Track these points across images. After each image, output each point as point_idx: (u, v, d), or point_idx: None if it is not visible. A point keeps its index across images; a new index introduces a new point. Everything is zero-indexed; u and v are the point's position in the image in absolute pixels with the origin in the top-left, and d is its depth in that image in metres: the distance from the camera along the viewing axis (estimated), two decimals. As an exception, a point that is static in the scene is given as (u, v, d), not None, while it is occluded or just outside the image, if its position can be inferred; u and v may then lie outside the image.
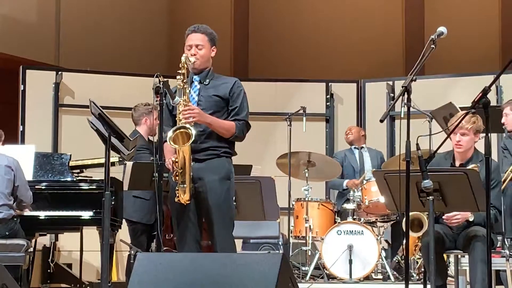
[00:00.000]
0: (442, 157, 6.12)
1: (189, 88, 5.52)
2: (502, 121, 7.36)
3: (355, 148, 9.31)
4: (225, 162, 5.50)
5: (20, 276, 6.67)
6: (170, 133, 5.34)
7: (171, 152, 5.45)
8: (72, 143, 9.40)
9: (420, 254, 6.78)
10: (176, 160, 5.33)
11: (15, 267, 6.62)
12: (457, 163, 6.15)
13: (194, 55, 5.52)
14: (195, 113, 5.36)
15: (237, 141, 5.60)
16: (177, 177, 5.35)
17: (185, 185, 5.33)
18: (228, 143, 5.54)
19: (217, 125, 5.45)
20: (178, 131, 5.33)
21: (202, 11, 12.10)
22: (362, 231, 8.04)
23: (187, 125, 5.32)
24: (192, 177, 5.36)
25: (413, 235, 6.10)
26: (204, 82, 5.57)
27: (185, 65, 5.40)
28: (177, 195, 5.36)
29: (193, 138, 5.27)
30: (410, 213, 5.15)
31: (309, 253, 8.42)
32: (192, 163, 5.36)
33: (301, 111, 9.06)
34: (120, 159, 7.27)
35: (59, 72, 9.78)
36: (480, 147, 5.49)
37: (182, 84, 5.39)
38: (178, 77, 5.39)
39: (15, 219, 6.80)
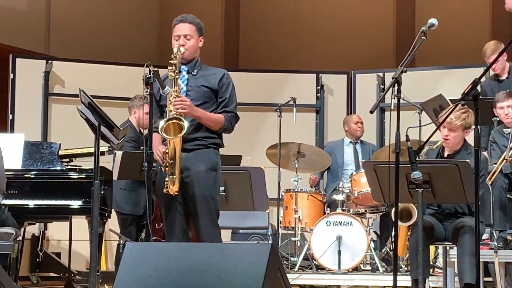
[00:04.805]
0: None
1: (178, 78, 5.51)
2: (506, 113, 7.31)
3: (350, 142, 9.29)
4: (212, 153, 5.50)
5: (9, 265, 6.64)
6: (162, 123, 5.33)
7: (159, 142, 5.45)
8: (62, 132, 9.39)
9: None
10: (167, 151, 5.32)
11: (4, 256, 6.60)
12: (445, 154, 6.18)
13: (183, 45, 5.50)
14: (186, 105, 5.36)
15: (226, 133, 5.60)
16: (166, 168, 5.34)
17: (174, 176, 5.32)
18: (217, 134, 5.54)
19: (205, 118, 5.45)
20: (170, 121, 5.33)
21: (193, 1, 12.08)
22: (351, 222, 8.05)
23: (179, 116, 5.32)
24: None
25: (402, 224, 6.11)
26: (193, 72, 5.56)
27: (177, 56, 5.39)
28: (166, 185, 5.35)
29: (185, 131, 5.27)
30: (399, 205, 5.17)
31: (298, 244, 8.43)
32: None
33: (292, 102, 9.04)
34: (110, 149, 7.27)
35: (49, 61, 9.75)
36: (469, 139, 5.52)
37: (173, 75, 5.38)
38: (169, 67, 5.38)
39: (3, 207, 6.76)
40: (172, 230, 5.46)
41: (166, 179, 5.35)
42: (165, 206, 5.48)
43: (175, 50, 5.40)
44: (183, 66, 5.56)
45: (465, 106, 5.93)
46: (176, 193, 5.35)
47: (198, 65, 5.60)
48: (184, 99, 5.39)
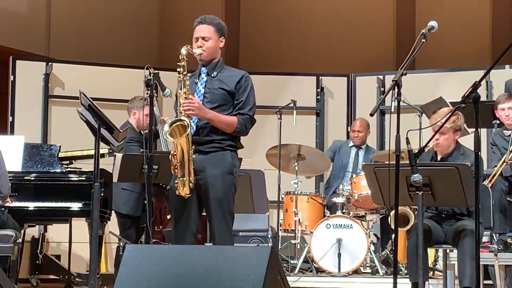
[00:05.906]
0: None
1: (197, 80, 5.46)
2: (507, 114, 7.30)
3: (353, 146, 9.29)
4: (228, 156, 5.40)
5: (9, 267, 6.65)
6: (166, 127, 5.27)
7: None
8: (62, 134, 9.38)
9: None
10: (175, 153, 5.29)
11: (4, 258, 6.61)
12: (439, 157, 6.20)
13: (200, 47, 5.43)
14: (195, 107, 5.27)
15: (240, 135, 5.49)
16: (176, 170, 5.30)
17: (184, 178, 5.26)
18: (233, 136, 5.45)
19: (217, 120, 5.35)
20: (174, 124, 5.28)
21: (193, 3, 12.08)
22: (351, 224, 8.05)
23: (183, 117, 5.27)
24: (194, 169, 5.29)
25: (399, 230, 6.10)
26: (212, 74, 5.48)
27: (185, 57, 5.31)
28: (177, 187, 5.30)
29: (189, 130, 5.22)
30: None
31: (298, 247, 8.43)
32: (195, 155, 5.29)
33: (292, 105, 9.04)
34: (110, 151, 7.27)
35: (49, 63, 9.75)
36: (470, 142, 5.51)
37: (182, 77, 5.31)
38: (178, 69, 5.30)
39: (3, 209, 6.77)
40: (182, 233, 5.39)
41: (176, 181, 5.30)
42: (176, 208, 5.40)
43: (183, 51, 5.33)
44: (203, 68, 5.50)
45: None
46: (187, 195, 5.30)
47: (218, 66, 5.52)
48: (194, 100, 5.31)
